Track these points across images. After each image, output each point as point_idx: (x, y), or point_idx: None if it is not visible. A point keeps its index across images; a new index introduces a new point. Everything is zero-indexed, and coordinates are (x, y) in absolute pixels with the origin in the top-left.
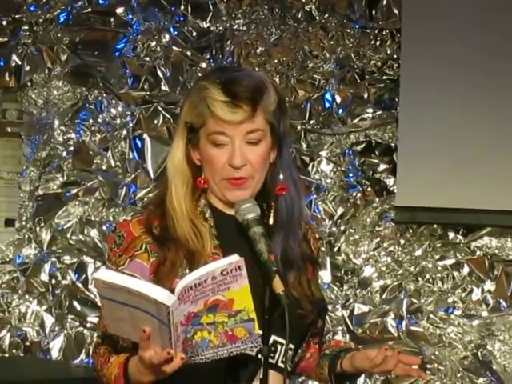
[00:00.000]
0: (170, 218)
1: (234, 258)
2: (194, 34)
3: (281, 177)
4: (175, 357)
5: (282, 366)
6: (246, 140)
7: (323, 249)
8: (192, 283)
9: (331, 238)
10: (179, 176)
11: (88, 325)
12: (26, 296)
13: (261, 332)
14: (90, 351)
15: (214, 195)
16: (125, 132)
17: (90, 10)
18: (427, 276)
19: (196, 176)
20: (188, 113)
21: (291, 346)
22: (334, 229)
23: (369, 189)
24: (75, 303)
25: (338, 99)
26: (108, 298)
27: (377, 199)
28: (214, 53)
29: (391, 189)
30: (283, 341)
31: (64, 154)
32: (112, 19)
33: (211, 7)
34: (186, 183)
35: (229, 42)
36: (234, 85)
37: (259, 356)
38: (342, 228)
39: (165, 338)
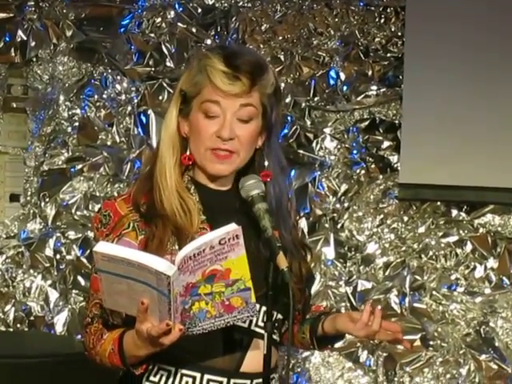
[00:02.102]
0: (158, 190)
1: (232, 227)
2: (199, 10)
3: (266, 164)
4: (174, 328)
5: (273, 337)
6: (237, 116)
7: (327, 225)
8: (191, 253)
9: (335, 215)
10: (172, 146)
11: None
12: (31, 271)
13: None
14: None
15: (198, 169)
16: (130, 108)
17: None
18: (430, 253)
19: (182, 151)
20: (185, 81)
21: (280, 316)
22: (338, 205)
23: (372, 166)
24: (79, 278)
25: (343, 76)
26: (106, 271)
27: (380, 176)
28: (218, 29)
29: (395, 166)
30: (273, 312)
31: (69, 129)
32: None
33: None
34: (176, 155)
35: (234, 19)
36: (236, 57)
37: (251, 327)
38: (346, 205)
39: (163, 309)
